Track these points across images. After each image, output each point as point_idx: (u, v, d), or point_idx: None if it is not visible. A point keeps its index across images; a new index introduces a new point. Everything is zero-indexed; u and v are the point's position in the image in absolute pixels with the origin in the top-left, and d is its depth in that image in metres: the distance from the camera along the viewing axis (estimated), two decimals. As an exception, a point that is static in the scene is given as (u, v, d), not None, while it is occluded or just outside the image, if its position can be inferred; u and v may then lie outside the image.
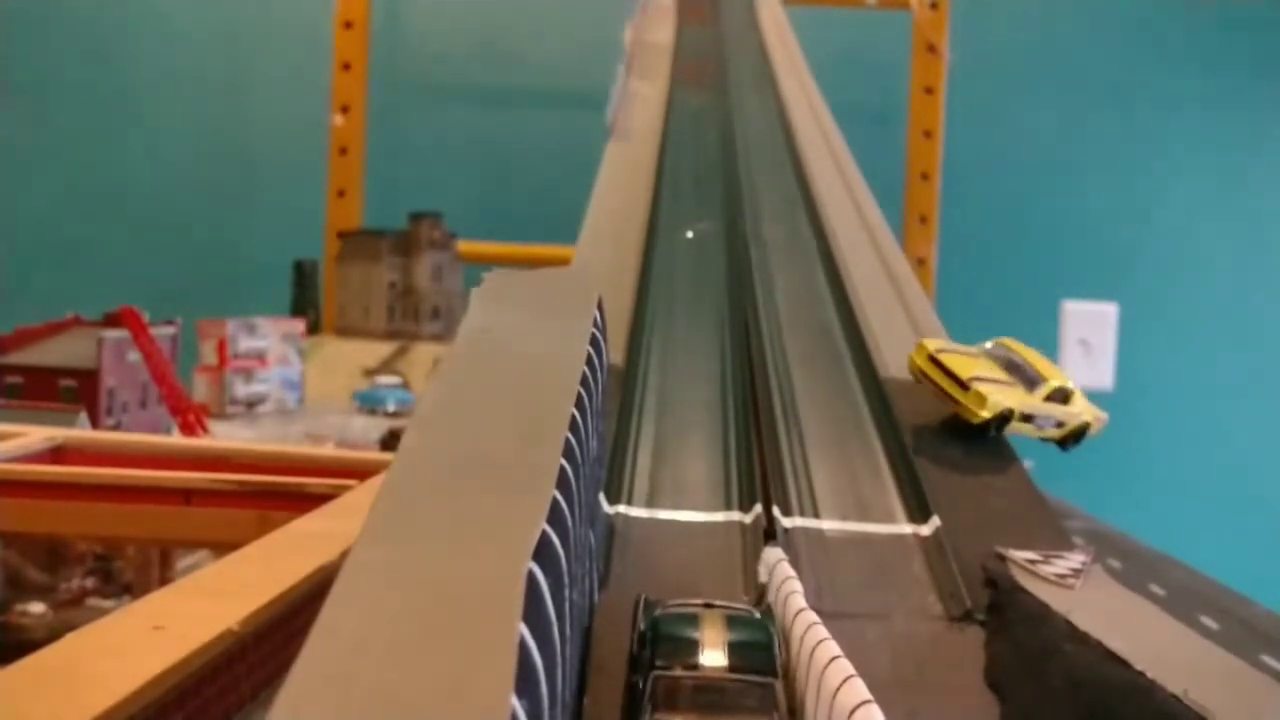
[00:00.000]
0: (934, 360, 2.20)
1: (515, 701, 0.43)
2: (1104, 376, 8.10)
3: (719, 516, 1.63)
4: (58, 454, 2.24)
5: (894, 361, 2.24)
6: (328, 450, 3.30)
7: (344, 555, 0.59)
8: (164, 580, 2.44)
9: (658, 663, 1.20)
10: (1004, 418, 2.08)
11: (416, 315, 5.63)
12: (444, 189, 5.93)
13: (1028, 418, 2.12)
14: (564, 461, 0.76)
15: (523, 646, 0.49)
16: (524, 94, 6.02)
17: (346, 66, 5.69)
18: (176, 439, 3.40)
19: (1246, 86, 7.52)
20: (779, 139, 3.78)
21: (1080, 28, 7.74)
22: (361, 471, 2.02)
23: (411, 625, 0.51)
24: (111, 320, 3.97)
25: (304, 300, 6.24)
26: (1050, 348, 8.10)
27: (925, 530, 1.62)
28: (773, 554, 1.43)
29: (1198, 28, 8.44)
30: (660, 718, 1.17)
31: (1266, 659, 2.04)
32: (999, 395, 2.14)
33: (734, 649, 1.20)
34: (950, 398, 2.13)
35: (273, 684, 1.13)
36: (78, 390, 3.69)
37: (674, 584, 1.37)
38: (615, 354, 1.94)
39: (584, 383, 0.98)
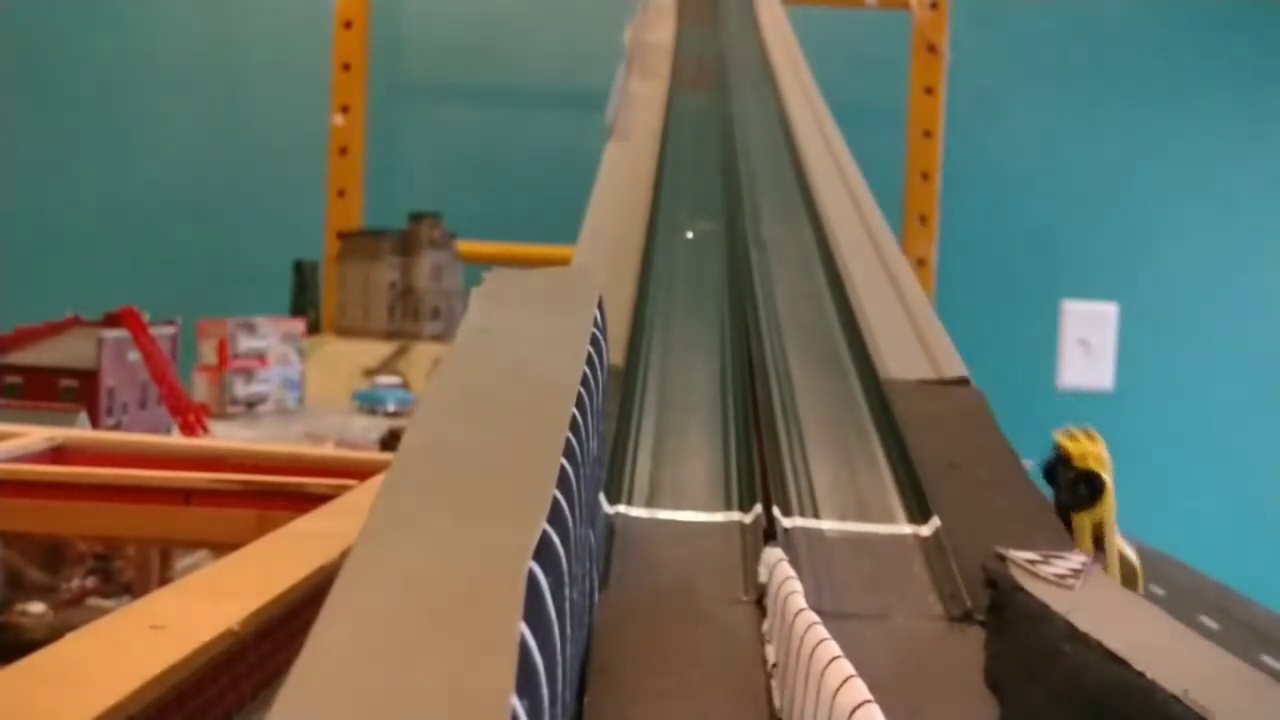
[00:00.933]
0: (1086, 429, 2.03)
1: (516, 702, 0.43)
2: (1104, 376, 8.09)
3: (719, 516, 1.62)
4: (58, 454, 2.24)
5: (894, 362, 2.23)
6: (328, 450, 3.30)
7: (344, 555, 0.59)
8: (164, 580, 2.43)
9: None
10: (1095, 487, 1.82)
11: (416, 315, 5.61)
12: (444, 189, 5.92)
13: (1099, 539, 1.85)
14: (564, 461, 0.76)
15: (523, 646, 0.49)
16: (524, 94, 6.01)
17: (346, 66, 5.68)
18: (176, 439, 3.39)
19: (1251, 85, 7.53)
20: (779, 139, 3.77)
21: (1081, 26, 7.74)
22: (361, 471, 2.02)
23: (411, 625, 0.51)
24: (111, 320, 3.95)
25: (304, 300, 6.23)
26: (1050, 348, 8.10)
27: (925, 530, 1.62)
28: (773, 554, 1.42)
29: (1202, 26, 8.44)
30: None
31: (1266, 659, 2.03)
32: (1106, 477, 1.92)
33: None
34: (1073, 438, 1.91)
35: (273, 684, 1.13)
36: (78, 390, 3.68)
37: (674, 583, 1.37)
38: (615, 354, 1.94)
39: (584, 383, 0.98)
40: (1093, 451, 2.12)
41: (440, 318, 5.95)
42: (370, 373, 5.49)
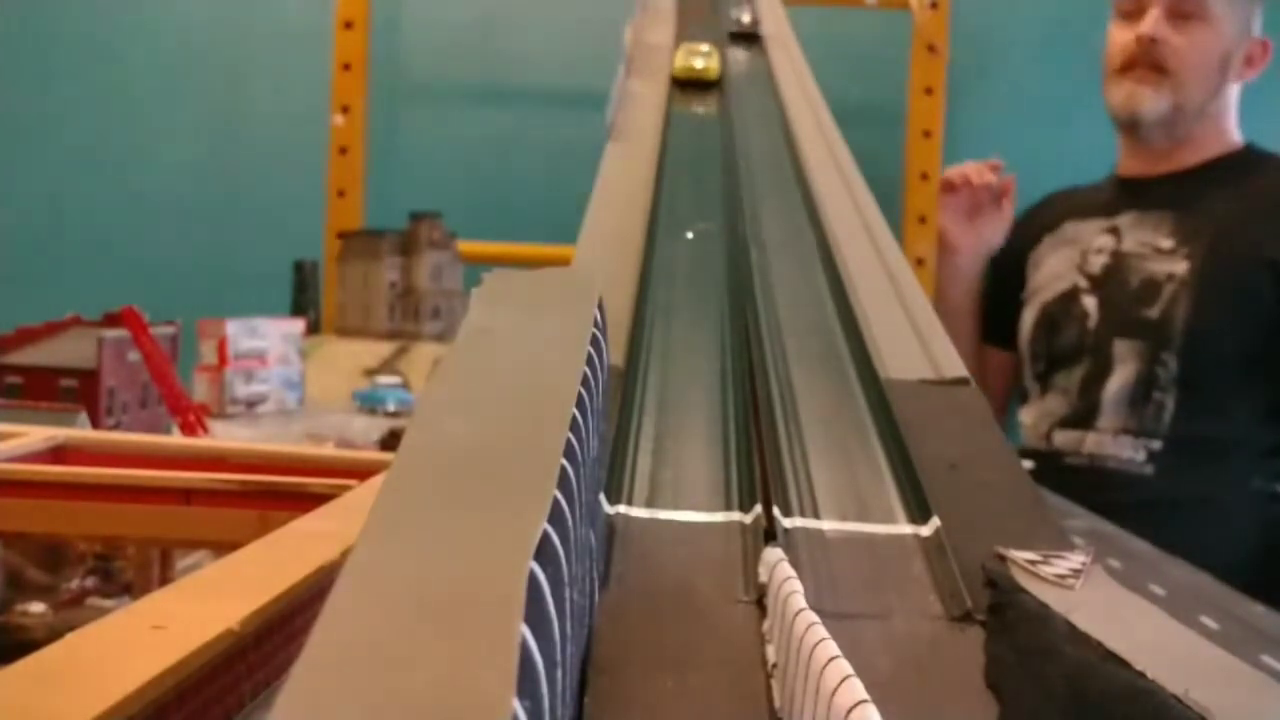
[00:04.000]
0: None
1: (517, 703, 0.43)
2: (1104, 376, 8.09)
3: (719, 516, 1.62)
4: (58, 454, 2.24)
5: (894, 362, 2.24)
6: (328, 450, 3.30)
7: (344, 555, 0.59)
8: (164, 580, 2.43)
9: None
10: None
11: (416, 315, 5.61)
12: (444, 189, 5.92)
13: None
14: (564, 461, 0.76)
15: (524, 647, 0.49)
16: (524, 94, 6.00)
17: (346, 66, 5.68)
18: (176, 439, 3.40)
19: (1251, 83, 7.54)
20: (779, 139, 3.78)
21: (1081, 24, 7.75)
22: (361, 471, 2.02)
23: (412, 625, 0.51)
24: (111, 320, 3.95)
25: (304, 300, 6.22)
26: (1050, 348, 8.11)
27: (925, 530, 1.62)
28: (773, 554, 1.42)
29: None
30: None
31: (1266, 659, 2.03)
32: None
33: None
34: None
35: (273, 684, 1.13)
36: (78, 390, 3.68)
37: (675, 583, 1.38)
38: (615, 354, 1.94)
39: (584, 383, 0.98)
40: None
41: (440, 318, 5.94)
42: (370, 373, 5.48)
